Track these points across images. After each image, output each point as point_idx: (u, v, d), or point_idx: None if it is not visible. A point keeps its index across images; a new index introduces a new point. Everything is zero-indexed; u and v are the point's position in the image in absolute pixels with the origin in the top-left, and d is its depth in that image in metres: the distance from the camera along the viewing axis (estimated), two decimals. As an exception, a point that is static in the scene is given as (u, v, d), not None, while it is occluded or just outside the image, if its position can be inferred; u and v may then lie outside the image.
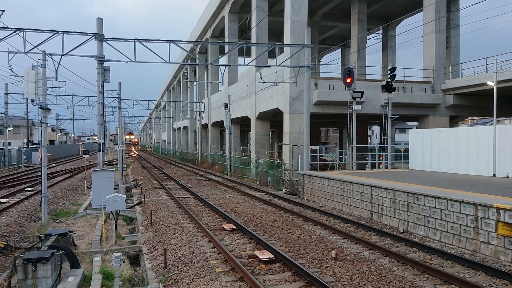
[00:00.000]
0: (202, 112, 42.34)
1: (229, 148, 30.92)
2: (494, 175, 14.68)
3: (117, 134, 46.74)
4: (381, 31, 35.96)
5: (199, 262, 8.45)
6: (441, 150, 17.18)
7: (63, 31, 14.92)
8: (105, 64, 15.83)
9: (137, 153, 77.52)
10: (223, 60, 38.51)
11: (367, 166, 22.50)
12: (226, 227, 11.69)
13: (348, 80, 19.24)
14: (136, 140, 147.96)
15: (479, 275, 7.61)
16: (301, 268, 7.60)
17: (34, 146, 53.24)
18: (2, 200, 16.84)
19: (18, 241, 11.13)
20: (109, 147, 64.89)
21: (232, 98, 31.48)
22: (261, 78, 20.65)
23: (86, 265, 8.89)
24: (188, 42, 20.18)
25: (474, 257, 8.58)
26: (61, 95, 33.11)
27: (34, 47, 14.78)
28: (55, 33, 14.90)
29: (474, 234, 9.00)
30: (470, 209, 9.13)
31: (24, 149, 41.34)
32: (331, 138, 79.24)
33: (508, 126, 15.07)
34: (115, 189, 15.28)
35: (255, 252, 8.96)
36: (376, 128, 69.07)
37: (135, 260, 10.22)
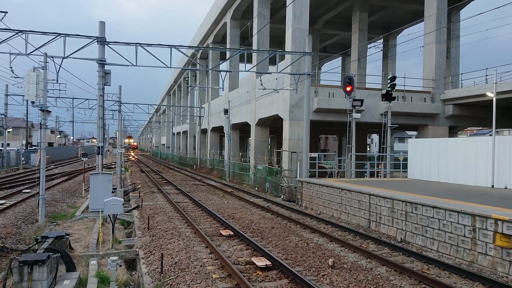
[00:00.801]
0: (202, 117, 42.39)
1: (228, 154, 30.91)
2: (492, 186, 14.68)
3: (116, 138, 46.76)
4: (381, 40, 36.16)
5: (195, 267, 8.42)
6: (440, 160, 17.20)
7: (65, 34, 14.98)
8: (106, 67, 15.89)
9: (136, 157, 77.27)
10: (224, 66, 38.64)
11: (365, 174, 22.49)
12: (223, 233, 11.66)
13: (348, 88, 19.30)
14: (135, 144, 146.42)
15: (476, 286, 7.59)
16: (298, 275, 7.57)
17: (33, 148, 53.20)
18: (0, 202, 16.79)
19: (14, 243, 11.07)
20: (108, 151, 64.83)
21: (232, 104, 31.55)
22: (262, 85, 20.71)
23: (82, 268, 8.85)
24: (189, 47, 20.25)
25: (471, 268, 8.55)
26: (61, 97, 33.04)
27: (36, 49, 14.84)
28: (57, 36, 14.96)
29: (471, 245, 8.99)
30: (468, 219, 9.13)
31: (23, 150, 41.31)
32: (330, 145, 79.24)
33: (507, 137, 15.11)
34: (113, 192, 15.24)
35: (252, 259, 8.93)
36: (375, 137, 69.13)
37: (131, 264, 10.17)
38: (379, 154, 24.06)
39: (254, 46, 27.96)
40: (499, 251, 8.31)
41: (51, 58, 14.57)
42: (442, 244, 9.81)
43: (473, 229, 8.98)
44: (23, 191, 20.57)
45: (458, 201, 10.74)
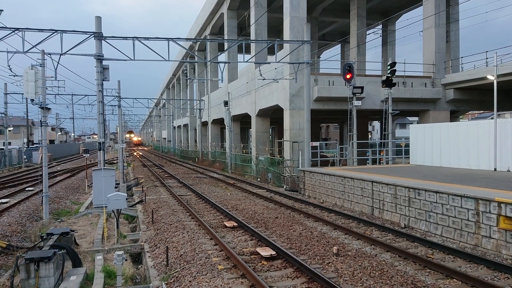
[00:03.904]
0: (202, 110, 42.31)
1: (230, 146, 30.91)
2: (495, 169, 14.67)
3: (117, 133, 46.76)
4: (380, 26, 35.87)
5: (201, 259, 8.46)
6: (442, 144, 17.17)
7: (61, 30, 14.90)
8: (104, 62, 15.81)
9: (140, 153, 76.75)
10: (222, 57, 38.46)
11: (368, 161, 22.51)
12: (227, 225, 11.70)
13: (348, 76, 19.19)
14: (139, 139, 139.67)
15: (481, 269, 7.62)
16: (303, 264, 7.60)
17: (35, 145, 53.24)
18: (4, 200, 16.85)
19: (20, 241, 11.14)
20: (110, 146, 64.90)
21: (232, 95, 31.44)
22: (261, 75, 20.63)
23: (88, 264, 8.91)
24: (187, 39, 20.15)
25: (475, 251, 8.58)
26: (60, 94, 33.17)
27: (33, 46, 14.77)
28: (53, 32, 14.89)
29: (475, 229, 9.00)
30: (472, 203, 9.13)
31: (25, 149, 41.36)
32: (331, 134, 79.13)
33: (509, 120, 15.03)
34: (116, 187, 15.29)
35: (256, 249, 8.96)
36: (376, 124, 68.97)
37: (137, 258, 10.24)
38: (381, 141, 24.03)
39: (252, 36, 27.77)
40: (503, 233, 8.33)
41: (49, 55, 14.52)
42: (445, 228, 9.83)
43: (476, 212, 8.99)
44: (27, 189, 20.64)
45: (461, 185, 10.74)
